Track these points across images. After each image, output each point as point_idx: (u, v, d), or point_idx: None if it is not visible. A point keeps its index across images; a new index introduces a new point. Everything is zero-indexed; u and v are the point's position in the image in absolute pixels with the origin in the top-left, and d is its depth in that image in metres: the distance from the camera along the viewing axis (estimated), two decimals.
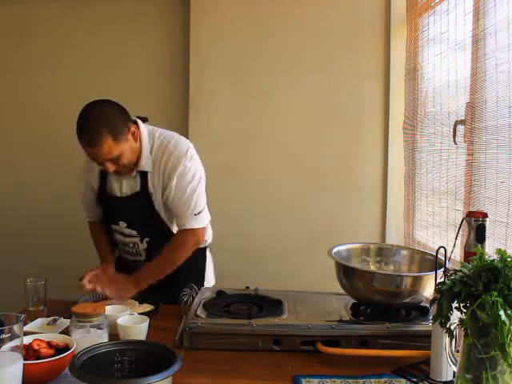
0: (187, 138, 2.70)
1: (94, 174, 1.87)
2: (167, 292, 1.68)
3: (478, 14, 1.78)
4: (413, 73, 2.52)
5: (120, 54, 2.88)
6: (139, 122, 1.80)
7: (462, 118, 1.92)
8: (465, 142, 1.91)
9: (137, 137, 1.73)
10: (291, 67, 2.72)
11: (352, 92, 2.71)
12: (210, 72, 2.74)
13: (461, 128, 1.93)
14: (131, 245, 1.89)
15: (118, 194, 1.83)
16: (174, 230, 1.86)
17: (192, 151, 1.81)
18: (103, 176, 1.85)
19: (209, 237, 2.01)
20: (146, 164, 1.76)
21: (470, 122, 1.86)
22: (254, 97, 2.74)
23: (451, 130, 1.98)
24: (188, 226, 1.78)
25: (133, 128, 1.71)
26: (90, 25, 2.89)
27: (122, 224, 1.86)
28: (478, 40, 1.79)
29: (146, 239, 1.86)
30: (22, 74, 2.94)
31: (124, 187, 1.82)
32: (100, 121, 1.62)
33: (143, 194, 1.78)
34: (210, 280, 2.03)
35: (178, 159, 1.75)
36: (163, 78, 2.89)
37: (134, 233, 1.86)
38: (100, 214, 1.98)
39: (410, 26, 2.54)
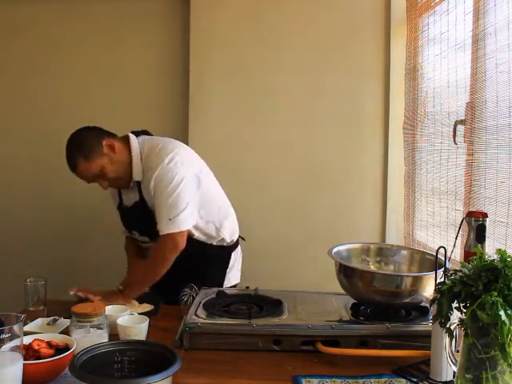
0: (187, 138, 2.75)
1: (114, 190, 1.99)
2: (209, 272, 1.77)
3: (478, 13, 1.78)
4: (413, 73, 2.52)
5: (120, 53, 2.88)
6: (130, 135, 1.89)
7: (462, 118, 1.92)
8: (465, 141, 1.91)
9: (115, 148, 1.81)
10: (291, 67, 2.72)
11: (352, 92, 2.71)
12: (210, 72, 2.74)
13: (461, 128, 1.93)
14: (149, 250, 1.96)
15: (127, 206, 1.93)
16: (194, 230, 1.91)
17: (174, 156, 1.80)
18: (119, 191, 1.97)
19: (231, 235, 2.04)
20: (137, 174, 1.84)
21: (470, 122, 1.86)
22: (254, 97, 2.74)
23: (451, 129, 1.98)
24: (164, 231, 1.76)
25: (106, 142, 1.80)
26: (90, 25, 2.88)
27: (135, 232, 1.98)
28: (478, 40, 1.79)
29: None
30: (22, 73, 2.93)
31: (129, 199, 1.92)
32: (71, 146, 1.79)
33: (141, 203, 1.87)
34: (232, 279, 2.05)
35: (156, 165, 1.79)
36: (163, 78, 2.88)
37: (147, 239, 1.95)
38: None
39: (410, 26, 2.54)
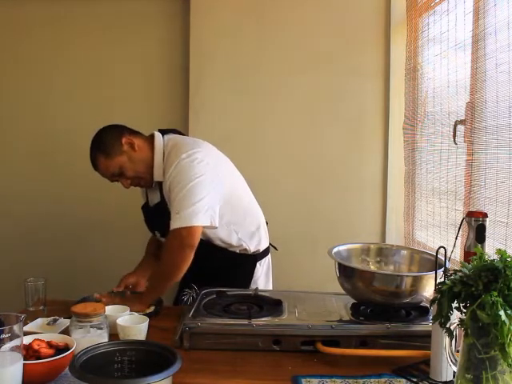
0: None
1: (143, 190, 1.98)
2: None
3: (478, 13, 1.78)
4: (413, 73, 2.52)
5: (120, 53, 2.88)
6: (155, 133, 1.84)
7: (462, 118, 1.92)
8: (465, 142, 1.91)
9: (135, 146, 1.78)
10: (291, 67, 2.72)
11: (352, 92, 2.71)
12: (209, 72, 2.74)
13: (461, 128, 1.93)
14: None
15: (151, 206, 1.90)
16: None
17: (192, 153, 1.73)
18: (146, 192, 1.95)
19: (256, 244, 1.94)
20: (158, 174, 1.80)
21: (470, 122, 1.86)
22: (254, 97, 2.74)
23: (451, 130, 1.98)
24: (171, 227, 1.67)
25: (126, 139, 1.77)
26: (90, 25, 2.88)
27: (157, 234, 1.93)
28: (478, 40, 1.79)
29: None
30: (23, 73, 2.93)
31: (151, 199, 1.90)
32: (92, 145, 1.79)
33: (162, 204, 1.81)
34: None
35: (171, 163, 1.74)
36: (163, 78, 2.88)
37: None
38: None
39: (410, 25, 2.54)
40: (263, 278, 1.98)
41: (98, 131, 1.82)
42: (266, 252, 2.00)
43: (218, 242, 1.86)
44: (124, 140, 1.77)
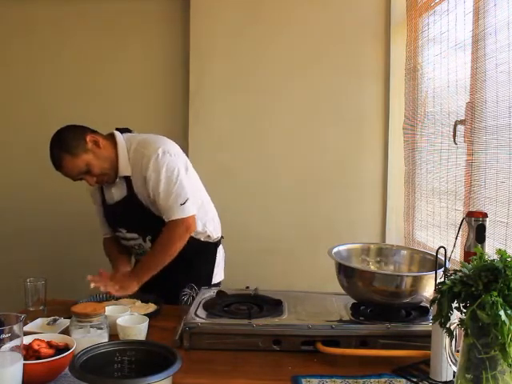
0: (187, 138, 2.75)
1: (96, 192, 2.00)
2: (178, 286, 1.72)
3: (478, 13, 1.78)
4: (413, 73, 2.52)
5: (120, 54, 2.88)
6: (115, 132, 1.91)
7: (462, 118, 1.92)
8: (465, 142, 1.91)
9: (99, 143, 1.82)
10: (291, 67, 2.72)
11: (352, 92, 2.71)
12: (210, 72, 2.74)
13: (461, 128, 1.93)
14: (136, 247, 1.97)
15: (112, 202, 1.93)
16: None
17: (165, 148, 1.85)
18: (101, 188, 1.97)
19: (216, 231, 2.06)
20: (125, 169, 1.85)
21: (470, 122, 1.86)
22: (254, 97, 2.74)
23: (451, 130, 1.98)
24: (176, 217, 1.81)
25: (90, 137, 1.81)
26: (90, 25, 2.88)
27: (123, 230, 1.96)
28: (478, 40, 1.79)
29: (149, 237, 1.92)
30: (22, 73, 2.93)
31: (114, 195, 1.92)
32: (56, 145, 1.81)
33: (131, 197, 1.87)
34: (218, 276, 2.07)
35: (148, 158, 1.82)
36: (163, 79, 2.88)
37: (135, 235, 1.94)
38: (108, 227, 2.06)
39: (410, 25, 2.54)
40: (222, 265, 2.12)
41: (57, 132, 1.83)
42: (220, 240, 2.11)
43: None
44: (88, 138, 1.80)
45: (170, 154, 1.86)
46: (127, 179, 1.87)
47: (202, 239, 1.99)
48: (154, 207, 1.87)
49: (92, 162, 1.80)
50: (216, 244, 2.06)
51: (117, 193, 1.90)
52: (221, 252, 2.12)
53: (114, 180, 1.88)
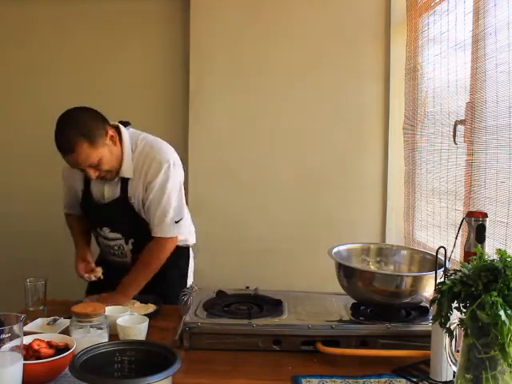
0: (187, 138, 2.75)
1: (77, 177, 1.85)
2: (155, 290, 1.73)
3: (478, 13, 1.78)
4: (413, 73, 2.52)
5: (120, 54, 2.88)
6: (121, 127, 1.79)
7: (462, 118, 1.92)
8: (465, 142, 1.91)
9: (116, 141, 1.72)
10: (291, 67, 2.72)
11: (352, 92, 2.71)
12: (210, 72, 2.74)
13: (461, 128, 1.93)
14: (116, 247, 1.89)
15: (102, 200, 1.82)
16: None
17: (175, 159, 1.80)
18: (87, 180, 1.83)
19: (193, 238, 2.04)
20: (127, 170, 1.76)
21: (470, 122, 1.86)
22: (254, 97, 2.74)
23: (451, 130, 1.98)
24: (170, 235, 1.77)
25: (111, 132, 1.70)
26: (90, 25, 2.88)
27: (106, 229, 1.86)
28: (478, 40, 1.79)
29: (131, 240, 1.86)
30: (22, 73, 2.93)
31: (106, 193, 1.81)
32: (74, 126, 1.62)
33: (123, 200, 1.78)
34: (190, 278, 2.06)
35: (159, 165, 1.75)
36: (163, 79, 2.88)
37: (119, 235, 1.86)
38: (80, 212, 1.95)
39: (410, 25, 2.54)
40: (192, 269, 2.08)
41: (73, 111, 1.66)
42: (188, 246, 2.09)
43: None
44: (109, 132, 1.69)
45: (176, 165, 1.80)
46: (123, 180, 1.77)
47: (181, 245, 1.93)
48: (145, 214, 1.80)
49: (105, 157, 1.67)
50: (188, 249, 2.04)
51: (109, 191, 1.80)
52: (191, 256, 2.08)
53: (113, 179, 1.77)
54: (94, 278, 1.80)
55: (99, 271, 1.81)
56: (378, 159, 2.72)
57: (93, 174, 1.69)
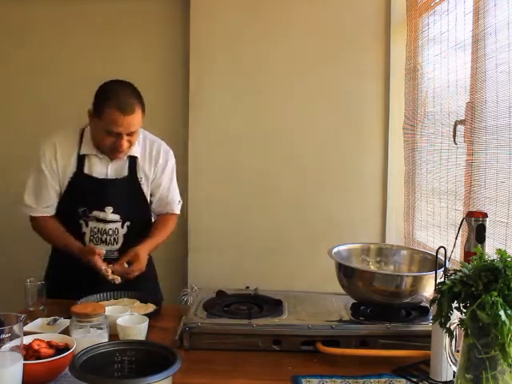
0: (187, 138, 2.75)
1: (71, 158, 1.84)
2: (143, 287, 1.79)
3: (478, 13, 1.78)
4: (413, 73, 2.52)
5: (120, 54, 2.88)
6: None
7: (462, 118, 1.92)
8: (465, 142, 1.91)
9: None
10: (291, 67, 2.72)
11: (352, 92, 2.71)
12: (209, 72, 2.74)
13: (461, 128, 1.93)
14: (111, 231, 1.86)
15: (104, 178, 1.83)
16: (153, 216, 2.00)
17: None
18: (81, 160, 1.83)
19: None
20: (136, 149, 1.86)
21: (470, 122, 1.86)
22: (254, 97, 2.74)
23: (451, 130, 1.98)
24: (176, 211, 2.01)
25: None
26: (90, 25, 2.88)
27: (108, 209, 1.84)
28: (478, 40, 1.79)
29: (127, 223, 1.86)
30: (22, 73, 2.93)
31: (110, 171, 1.84)
32: (135, 91, 1.76)
33: (132, 179, 1.86)
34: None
35: (168, 150, 1.95)
36: (163, 79, 2.88)
37: (117, 217, 1.86)
38: (55, 207, 1.91)
39: (410, 25, 2.54)
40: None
41: (126, 82, 1.79)
42: None
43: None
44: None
45: None
46: (131, 160, 1.85)
47: None
48: (152, 196, 1.92)
49: (138, 130, 1.79)
50: None
51: (115, 170, 1.84)
52: None
53: (124, 156, 1.84)
54: (118, 281, 1.71)
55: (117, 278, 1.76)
56: (377, 159, 2.72)
57: (125, 144, 1.75)
